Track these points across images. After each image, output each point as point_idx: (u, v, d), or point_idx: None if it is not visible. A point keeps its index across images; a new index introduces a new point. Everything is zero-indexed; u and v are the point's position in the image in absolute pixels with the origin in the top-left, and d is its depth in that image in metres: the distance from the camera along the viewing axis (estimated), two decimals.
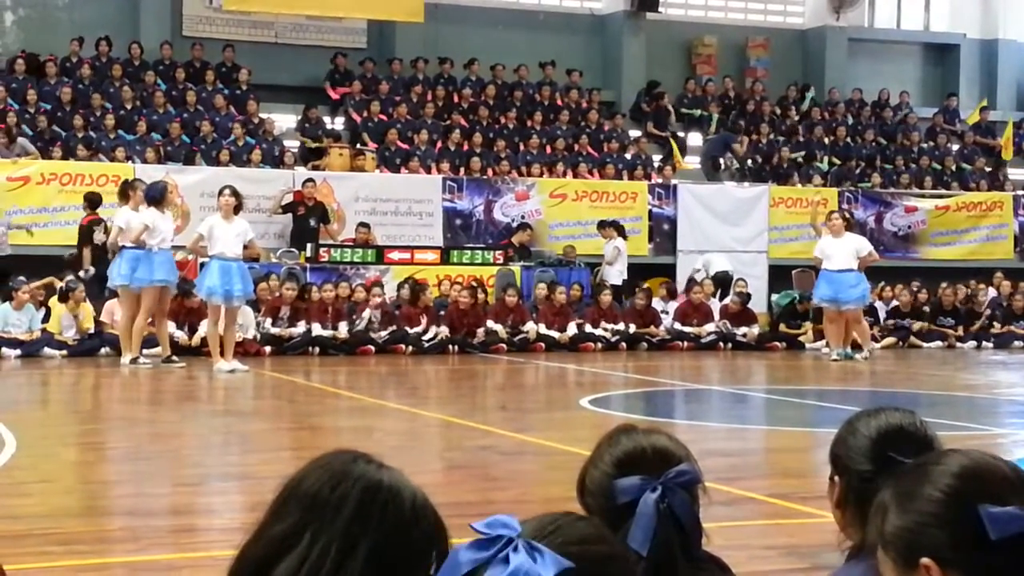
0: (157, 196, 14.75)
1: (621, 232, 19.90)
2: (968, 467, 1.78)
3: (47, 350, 15.92)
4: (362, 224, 19.23)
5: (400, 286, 17.97)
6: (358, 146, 21.47)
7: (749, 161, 23.93)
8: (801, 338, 19.43)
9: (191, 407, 12.17)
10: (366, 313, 17.21)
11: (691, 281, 19.74)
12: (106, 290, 16.63)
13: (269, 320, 16.89)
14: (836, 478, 2.52)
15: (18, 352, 15.75)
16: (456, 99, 23.43)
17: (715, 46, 26.50)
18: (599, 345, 18.23)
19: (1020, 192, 24.61)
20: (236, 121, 21.14)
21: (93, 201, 17.46)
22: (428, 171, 21.12)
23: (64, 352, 15.92)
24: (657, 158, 23.66)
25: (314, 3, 22.67)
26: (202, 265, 15.52)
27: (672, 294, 20.01)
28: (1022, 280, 21.96)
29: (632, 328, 18.67)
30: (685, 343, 18.75)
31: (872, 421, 2.53)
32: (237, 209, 14.68)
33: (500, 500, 7.08)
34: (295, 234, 18.93)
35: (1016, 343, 20.49)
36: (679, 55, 26.44)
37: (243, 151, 20.38)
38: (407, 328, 17.38)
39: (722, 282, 20.00)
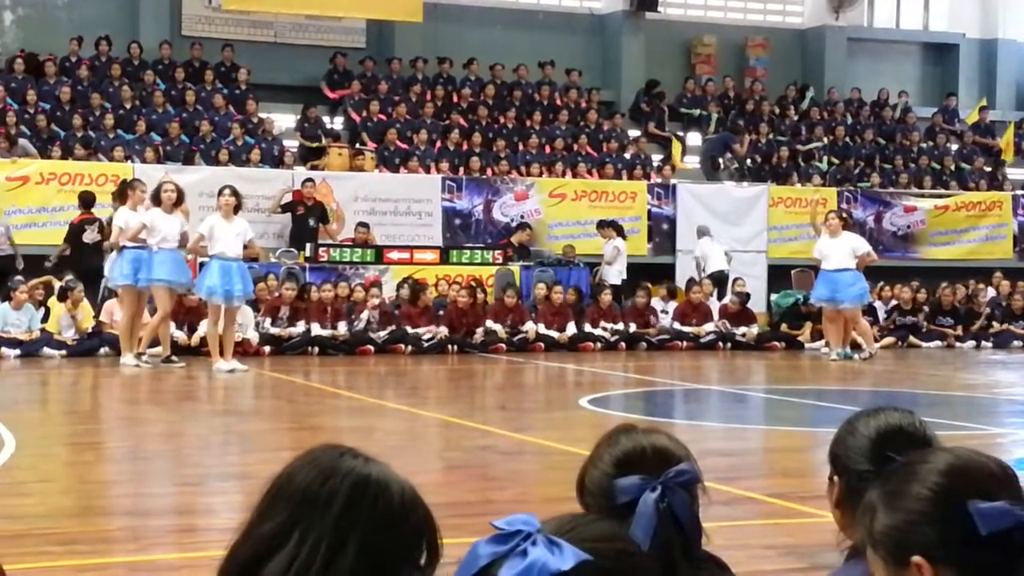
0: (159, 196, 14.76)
1: (620, 232, 19.90)
2: (955, 464, 1.79)
3: (46, 350, 15.92)
4: (361, 224, 19.23)
5: (399, 286, 17.97)
6: (357, 146, 21.48)
7: (748, 161, 23.95)
8: (800, 338, 19.44)
9: (190, 407, 12.16)
10: (365, 313, 17.21)
11: (691, 281, 19.73)
12: (105, 290, 16.66)
13: (268, 320, 16.89)
14: (835, 478, 2.52)
15: (17, 352, 15.74)
16: (455, 99, 23.43)
17: (714, 46, 26.51)
18: (598, 345, 18.23)
19: (1019, 192, 24.62)
20: (235, 121, 21.15)
21: (86, 200, 17.47)
22: (427, 171, 21.12)
23: (63, 352, 15.91)
24: (657, 158, 23.66)
25: (313, 3, 22.67)
26: (202, 265, 15.52)
27: (672, 293, 20.01)
28: (1021, 280, 21.96)
29: (632, 328, 18.68)
30: (684, 343, 18.76)
31: (871, 421, 2.54)
32: (237, 209, 14.68)
33: (499, 500, 7.07)
34: (294, 234, 18.93)
35: (1015, 343, 20.50)
36: (678, 55, 26.44)
37: (242, 151, 20.38)
38: (407, 328, 17.37)
39: (719, 281, 20.00)
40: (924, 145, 25.99)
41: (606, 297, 18.73)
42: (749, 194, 22.15)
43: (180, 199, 14.76)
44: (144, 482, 7.85)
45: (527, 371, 16.17)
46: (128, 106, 20.98)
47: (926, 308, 20.64)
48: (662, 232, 21.57)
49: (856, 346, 17.57)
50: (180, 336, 16.16)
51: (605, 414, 10.98)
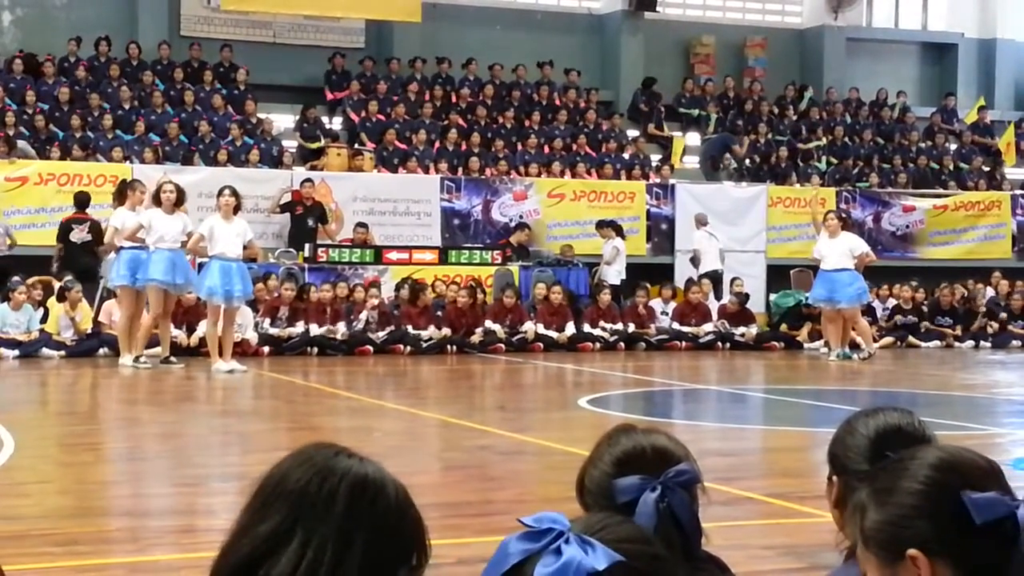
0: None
1: (620, 232, 19.90)
2: (944, 459, 1.82)
3: (45, 351, 15.92)
4: (360, 224, 19.23)
5: (398, 286, 17.97)
6: (356, 146, 21.48)
7: (747, 161, 23.96)
8: (798, 338, 19.44)
9: (190, 407, 12.16)
10: (364, 314, 17.21)
11: (689, 281, 19.73)
12: (104, 290, 16.67)
13: (267, 320, 16.88)
14: (834, 478, 2.52)
15: (16, 353, 15.74)
16: (454, 99, 23.43)
17: (713, 46, 26.51)
18: (597, 345, 18.23)
19: (1018, 192, 24.63)
20: (234, 121, 21.15)
21: (81, 201, 17.49)
22: (426, 171, 21.12)
23: (62, 353, 15.91)
24: (655, 158, 23.67)
25: (312, 3, 22.67)
26: (201, 265, 15.52)
27: (673, 295, 19.99)
28: (1020, 279, 21.97)
29: (631, 328, 18.68)
30: (683, 343, 18.76)
31: (870, 421, 2.54)
32: (236, 209, 14.68)
33: (499, 500, 7.07)
34: (293, 234, 18.93)
35: (1014, 343, 20.50)
36: (677, 55, 26.45)
37: (241, 151, 20.38)
38: (408, 328, 17.37)
39: (713, 280, 20.00)
40: (923, 145, 26.00)
41: (605, 297, 18.73)
42: (748, 194, 22.15)
43: (181, 199, 14.74)
44: (143, 483, 7.86)
45: (526, 371, 16.17)
46: (127, 106, 20.98)
47: (925, 307, 20.62)
48: (661, 232, 21.57)
49: (855, 346, 17.58)
50: (180, 336, 16.15)
51: (604, 414, 10.98)
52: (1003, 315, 20.91)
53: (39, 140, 19.81)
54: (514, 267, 19.23)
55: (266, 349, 16.63)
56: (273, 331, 16.83)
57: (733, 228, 21.34)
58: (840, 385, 14.69)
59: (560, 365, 16.37)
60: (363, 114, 22.26)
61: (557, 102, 24.07)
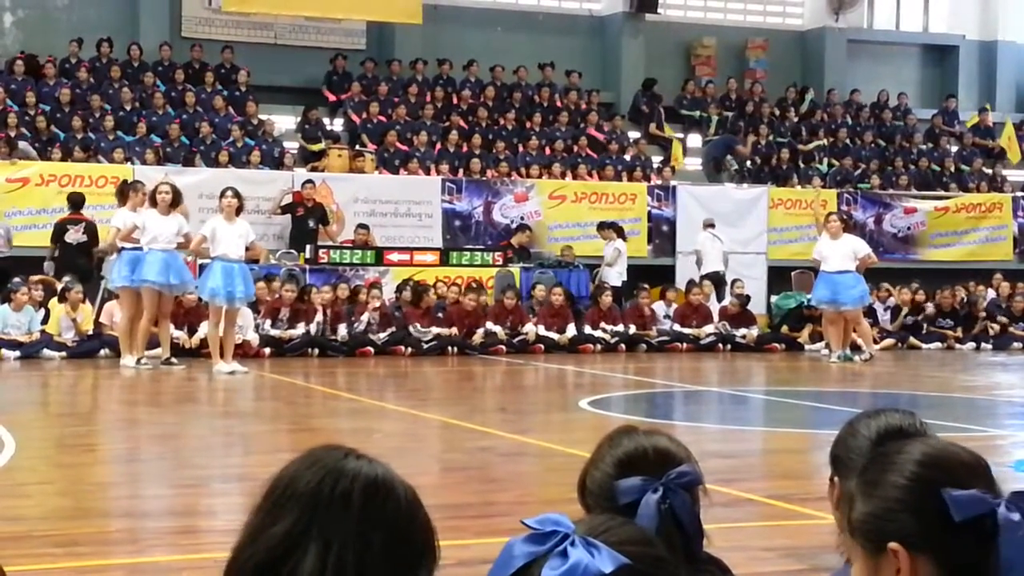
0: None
1: (621, 234, 19.90)
2: (930, 454, 1.84)
3: (46, 352, 15.92)
4: (361, 225, 19.23)
5: (399, 288, 17.96)
6: (357, 147, 21.48)
7: (748, 162, 23.96)
8: (799, 340, 19.44)
9: (191, 409, 12.16)
10: (365, 315, 17.20)
11: (691, 283, 19.72)
12: (105, 291, 16.68)
13: (268, 322, 16.88)
14: (836, 479, 2.52)
15: (17, 354, 15.73)
16: (455, 100, 23.44)
17: (714, 47, 26.52)
18: (598, 347, 18.23)
19: (1019, 193, 24.64)
20: (235, 122, 21.15)
21: (76, 202, 17.50)
22: (427, 172, 21.12)
23: (63, 354, 15.91)
24: (657, 160, 23.67)
25: (313, 4, 22.67)
26: (202, 267, 15.51)
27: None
28: (1021, 281, 21.96)
29: (632, 329, 18.68)
30: (684, 344, 18.75)
31: (872, 422, 2.54)
32: (238, 210, 14.68)
33: (500, 502, 7.07)
34: (294, 235, 18.93)
35: (1015, 344, 20.49)
36: (678, 56, 26.45)
37: (242, 152, 20.39)
38: (415, 326, 17.35)
39: (715, 282, 20.00)
40: (924, 147, 26.00)
41: (606, 299, 18.72)
42: (749, 196, 22.15)
43: (177, 200, 14.74)
44: (144, 484, 7.85)
45: (527, 373, 16.17)
46: (128, 108, 20.99)
47: (929, 307, 20.59)
48: (662, 234, 21.57)
49: (856, 348, 17.57)
50: (181, 337, 16.15)
51: (605, 416, 10.98)
52: (1002, 318, 20.86)
53: (40, 141, 19.82)
54: (515, 268, 19.23)
55: (267, 350, 16.63)
56: (274, 332, 16.83)
57: (734, 230, 21.32)
58: (841, 387, 14.69)
59: (561, 367, 16.36)
60: (364, 115, 22.27)
61: (558, 104, 24.07)
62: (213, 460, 8.86)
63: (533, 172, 21.74)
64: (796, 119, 25.50)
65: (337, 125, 22.69)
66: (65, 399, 13.47)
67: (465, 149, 22.23)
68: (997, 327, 20.73)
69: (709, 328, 19.00)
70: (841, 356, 17.12)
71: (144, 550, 5.90)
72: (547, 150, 22.73)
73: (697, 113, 25.16)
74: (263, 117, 21.66)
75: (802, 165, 24.50)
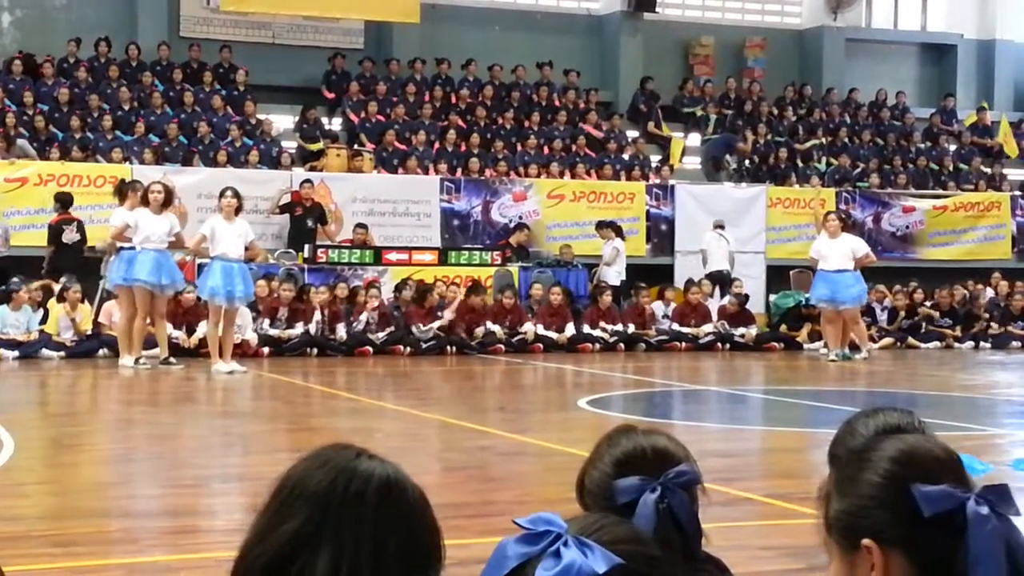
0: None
1: (619, 233, 19.90)
2: (904, 451, 1.86)
3: (45, 351, 15.92)
4: (360, 225, 19.22)
5: (398, 287, 17.95)
6: (356, 147, 21.48)
7: (747, 161, 23.97)
8: (798, 339, 19.44)
9: (190, 408, 12.16)
10: (364, 315, 17.20)
11: (689, 282, 19.73)
12: (103, 291, 16.68)
13: (267, 321, 16.88)
14: None
15: (16, 353, 15.73)
16: (453, 100, 23.44)
17: (712, 46, 26.52)
18: (597, 346, 18.23)
19: (1017, 192, 24.64)
20: (233, 122, 21.15)
21: (64, 201, 17.50)
22: (426, 172, 21.12)
23: (62, 353, 15.90)
24: (655, 159, 23.67)
25: (311, 4, 22.68)
26: (200, 266, 15.50)
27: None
28: (1020, 280, 21.97)
29: (631, 328, 18.68)
30: (683, 344, 18.76)
31: (870, 421, 2.54)
32: (238, 210, 14.69)
33: (499, 501, 7.07)
34: (292, 235, 18.93)
35: (1014, 343, 20.50)
36: (676, 55, 26.45)
37: (241, 152, 20.38)
38: (417, 325, 17.34)
39: (717, 281, 20.00)
40: (922, 146, 26.01)
41: (606, 298, 18.72)
42: (747, 195, 22.15)
43: (168, 200, 14.76)
44: (142, 484, 7.85)
45: (526, 372, 16.17)
46: (126, 107, 20.98)
47: (927, 306, 20.59)
48: (661, 233, 21.56)
49: (855, 347, 17.57)
50: (180, 337, 16.15)
51: (604, 415, 10.98)
52: (998, 315, 20.88)
53: (39, 141, 19.81)
54: (514, 268, 19.22)
55: (266, 350, 16.63)
56: (273, 332, 16.83)
57: (733, 229, 21.29)
58: (840, 386, 14.69)
59: (560, 366, 16.37)
60: (362, 115, 22.26)
61: (556, 103, 24.07)
62: (212, 460, 8.86)
63: (531, 171, 21.74)
64: (794, 118, 25.47)
65: (335, 124, 22.69)
66: (64, 399, 13.47)
67: (463, 148, 22.22)
68: (996, 326, 20.73)
69: (708, 327, 19.00)
70: (839, 355, 17.12)
71: (143, 550, 5.90)
72: (545, 149, 22.73)
73: (697, 110, 25.10)
74: (261, 117, 21.66)
75: (800, 164, 24.50)
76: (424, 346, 17.30)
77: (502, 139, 22.59)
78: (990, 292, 21.68)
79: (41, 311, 16.46)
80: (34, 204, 18.27)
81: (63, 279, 16.48)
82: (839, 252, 17.02)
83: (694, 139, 24.86)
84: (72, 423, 10.87)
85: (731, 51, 26.74)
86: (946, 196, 24.06)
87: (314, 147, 21.37)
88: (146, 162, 19.29)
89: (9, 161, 18.58)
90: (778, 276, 21.32)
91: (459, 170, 21.57)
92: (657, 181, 22.26)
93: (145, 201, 14.67)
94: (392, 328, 17.36)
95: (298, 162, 21.13)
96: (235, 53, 22.55)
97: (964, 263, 22.98)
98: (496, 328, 17.87)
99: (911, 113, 26.76)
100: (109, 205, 16.44)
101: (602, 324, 18.52)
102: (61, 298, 16.30)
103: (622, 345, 18.40)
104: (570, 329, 18.24)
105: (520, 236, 20.17)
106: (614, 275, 19.60)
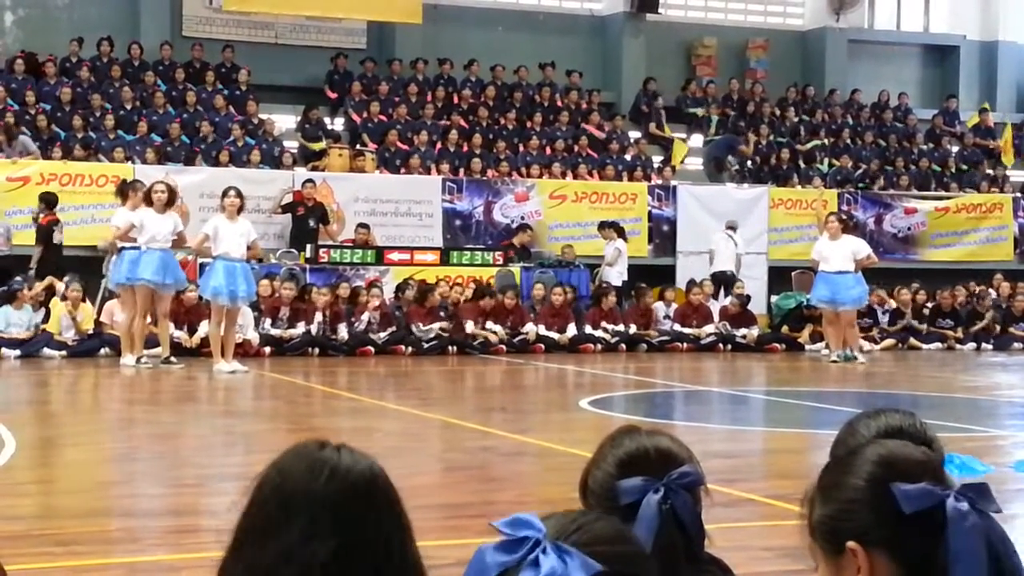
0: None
1: (621, 233, 19.89)
2: (885, 455, 1.89)
3: (46, 350, 15.93)
4: (361, 225, 19.22)
5: (399, 287, 17.95)
6: (358, 147, 21.47)
7: (748, 162, 23.96)
8: (800, 340, 19.43)
9: (191, 408, 12.16)
10: (365, 315, 17.20)
11: (691, 283, 19.72)
12: (105, 290, 16.69)
13: (269, 321, 16.88)
14: None
15: (18, 352, 15.74)
16: (456, 100, 23.43)
17: (715, 47, 26.51)
18: (599, 346, 18.23)
19: (1020, 194, 24.62)
20: (236, 121, 21.15)
21: (49, 201, 17.48)
22: (428, 172, 21.12)
23: (64, 352, 15.91)
24: (657, 159, 23.66)
25: (314, 4, 22.67)
26: (202, 266, 15.49)
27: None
28: (1022, 281, 21.95)
29: (632, 329, 18.67)
30: (685, 344, 18.75)
31: (872, 423, 2.54)
32: (240, 210, 14.70)
33: (499, 501, 7.07)
34: (294, 235, 18.92)
35: (1016, 345, 20.48)
36: (679, 56, 26.45)
37: (243, 151, 20.38)
38: (418, 325, 17.34)
39: (721, 281, 19.99)
40: (925, 147, 25.99)
41: (610, 299, 18.71)
42: (749, 196, 22.14)
43: (172, 200, 14.78)
44: (144, 483, 7.85)
45: (527, 372, 16.17)
46: (129, 107, 20.98)
47: (929, 307, 20.58)
48: (662, 234, 21.56)
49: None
50: (182, 336, 16.15)
51: (606, 416, 10.98)
52: (1000, 317, 20.86)
53: (41, 141, 19.81)
54: (516, 268, 19.22)
55: (267, 350, 16.64)
56: (274, 332, 16.83)
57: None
58: (841, 387, 14.68)
59: (561, 366, 16.36)
60: (365, 115, 22.26)
61: (559, 103, 24.06)
62: (213, 459, 8.86)
63: (534, 172, 21.73)
64: (796, 119, 25.46)
65: (338, 124, 22.68)
66: (65, 398, 13.48)
67: (466, 149, 22.22)
68: (998, 327, 20.72)
69: (709, 328, 18.99)
70: (841, 356, 17.11)
71: (144, 549, 5.90)
72: (548, 150, 22.72)
73: (699, 110, 25.08)
74: (264, 116, 21.66)
75: (803, 165, 24.49)
76: (425, 346, 17.30)
77: (504, 139, 22.58)
78: (992, 293, 21.66)
79: (43, 310, 16.46)
80: (36, 204, 18.25)
81: (66, 278, 16.49)
82: (840, 253, 17.01)
83: (696, 140, 24.84)
84: (73, 422, 10.87)
85: (733, 52, 26.73)
86: (948, 197, 24.05)
87: (316, 147, 21.36)
88: (148, 162, 19.29)
89: (11, 160, 18.58)
90: (780, 277, 21.31)
91: (461, 170, 21.56)
92: (659, 182, 22.26)
93: (147, 201, 14.67)
94: (393, 328, 17.36)
95: (300, 162, 21.13)
96: (237, 53, 22.55)
97: (966, 264, 22.97)
98: (498, 328, 17.85)
99: (913, 114, 26.75)
100: (111, 205, 16.44)
101: (604, 324, 18.51)
102: (63, 297, 16.30)
103: (623, 346, 18.40)
104: (571, 329, 18.24)
105: (522, 236, 20.17)
106: (616, 276, 19.60)
